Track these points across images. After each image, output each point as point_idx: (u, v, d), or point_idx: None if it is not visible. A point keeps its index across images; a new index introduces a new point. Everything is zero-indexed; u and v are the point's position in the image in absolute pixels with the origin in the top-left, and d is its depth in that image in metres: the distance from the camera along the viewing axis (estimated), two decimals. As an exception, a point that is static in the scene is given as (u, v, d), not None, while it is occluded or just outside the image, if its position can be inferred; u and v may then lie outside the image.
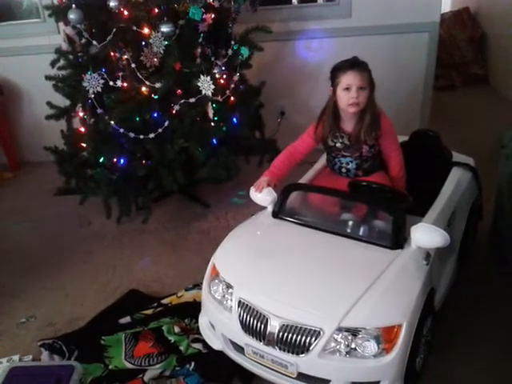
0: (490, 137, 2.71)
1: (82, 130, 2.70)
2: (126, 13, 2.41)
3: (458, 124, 3.83)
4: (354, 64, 1.92)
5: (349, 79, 1.91)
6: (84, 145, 2.67)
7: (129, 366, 1.86)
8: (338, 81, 1.94)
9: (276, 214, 1.93)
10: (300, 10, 3.47)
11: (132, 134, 2.51)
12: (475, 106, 4.35)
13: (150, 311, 2.13)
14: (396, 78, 3.39)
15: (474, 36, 4.86)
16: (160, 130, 2.51)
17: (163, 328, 1.97)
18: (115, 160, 2.59)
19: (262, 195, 1.96)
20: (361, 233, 1.79)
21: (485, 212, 2.39)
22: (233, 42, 2.70)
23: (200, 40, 2.51)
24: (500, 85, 4.63)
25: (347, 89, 1.91)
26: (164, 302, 2.19)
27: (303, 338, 1.50)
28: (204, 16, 2.46)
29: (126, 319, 2.09)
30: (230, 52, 2.68)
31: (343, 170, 2.10)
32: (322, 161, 2.26)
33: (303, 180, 2.14)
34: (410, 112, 3.52)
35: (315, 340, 1.49)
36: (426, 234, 1.66)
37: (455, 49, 4.86)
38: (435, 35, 3.36)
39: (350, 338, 1.48)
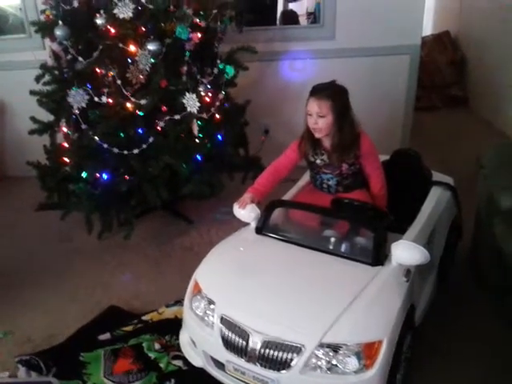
0: (469, 157, 2.77)
1: (66, 145, 2.70)
2: (112, 30, 2.43)
3: (438, 144, 3.91)
4: (318, 91, 1.96)
5: (309, 106, 1.97)
6: (67, 160, 2.66)
7: (108, 383, 1.83)
8: (306, 104, 1.99)
9: (259, 231, 1.94)
10: (284, 31, 3.55)
11: (116, 150, 2.51)
12: (455, 126, 4.45)
13: (130, 328, 2.11)
14: (378, 98, 3.46)
15: (454, 59, 4.99)
16: (144, 146, 2.52)
17: (143, 345, 1.95)
18: (98, 175, 2.58)
19: (246, 211, 1.98)
20: (343, 249, 1.81)
21: (465, 231, 2.44)
22: (218, 61, 2.73)
23: (186, 58, 2.54)
24: (479, 106, 4.75)
25: (310, 114, 1.96)
26: (144, 318, 2.17)
27: (284, 354, 1.50)
28: (190, 35, 2.49)
29: (106, 336, 2.07)
30: (215, 71, 2.71)
31: (324, 185, 2.14)
32: (306, 178, 2.29)
33: (287, 197, 2.16)
34: (392, 132, 3.58)
35: (296, 356, 1.49)
36: (406, 251, 1.68)
37: (436, 71, 4.98)
38: (416, 57, 3.45)
39: (331, 354, 1.48)
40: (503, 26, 4.14)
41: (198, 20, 2.57)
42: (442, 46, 5.02)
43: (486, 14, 4.47)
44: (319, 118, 1.94)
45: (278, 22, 4.94)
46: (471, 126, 4.44)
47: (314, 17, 5.46)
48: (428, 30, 5.43)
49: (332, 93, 1.95)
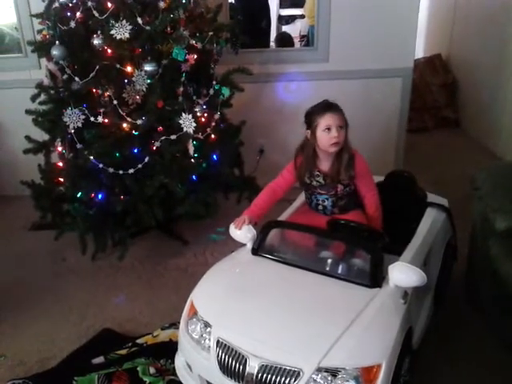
0: (462, 178, 2.80)
1: (60, 164, 2.69)
2: (109, 51, 2.44)
3: (431, 165, 3.94)
4: (330, 106, 2.00)
5: (328, 120, 1.97)
6: (61, 179, 2.65)
7: (101, 408, 1.80)
8: (316, 123, 2.00)
9: (255, 252, 1.93)
10: (279, 53, 3.61)
11: (111, 170, 2.51)
12: (447, 148, 4.49)
13: (124, 351, 2.08)
14: (371, 120, 3.50)
15: (446, 81, 5.06)
16: (140, 166, 2.51)
17: (138, 369, 1.91)
18: (93, 195, 2.57)
19: (242, 232, 1.97)
20: (339, 271, 1.80)
21: (460, 252, 2.44)
22: (214, 82, 2.75)
23: (182, 79, 2.56)
24: (471, 128, 4.81)
25: (328, 129, 1.97)
26: (139, 341, 2.13)
27: (282, 379, 1.48)
28: (187, 56, 2.51)
29: (100, 359, 2.03)
30: (211, 91, 2.73)
31: (320, 207, 2.14)
32: (301, 198, 2.29)
33: (282, 217, 2.15)
34: (385, 153, 3.61)
35: (294, 381, 1.47)
36: (403, 273, 1.68)
37: (427, 93, 5.04)
38: (409, 80, 3.50)
39: (329, 378, 1.46)
40: (493, 50, 4.22)
41: (194, 42, 2.59)
42: (434, 69, 5.10)
43: (477, 38, 4.55)
44: (340, 130, 1.97)
45: (272, 44, 5.04)
46: (463, 147, 4.49)
47: (306, 39, 5.59)
48: (420, 52, 5.51)
49: (339, 106, 2.02)
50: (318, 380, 1.46)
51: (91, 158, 2.48)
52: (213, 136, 2.76)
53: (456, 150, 4.42)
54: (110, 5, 2.41)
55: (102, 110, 2.49)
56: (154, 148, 2.54)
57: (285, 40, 5.25)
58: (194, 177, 2.69)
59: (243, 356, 1.54)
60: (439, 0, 5.41)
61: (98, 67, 2.43)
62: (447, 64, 5.18)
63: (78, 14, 2.46)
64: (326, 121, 1.98)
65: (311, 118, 2.03)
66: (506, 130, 4.05)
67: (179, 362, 1.82)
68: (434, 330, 2.10)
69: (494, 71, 4.22)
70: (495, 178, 2.26)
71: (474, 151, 4.30)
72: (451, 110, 5.09)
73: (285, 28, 6.53)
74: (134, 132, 2.52)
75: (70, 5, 2.54)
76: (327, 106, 2.00)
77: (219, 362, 1.58)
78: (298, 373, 1.47)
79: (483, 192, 2.19)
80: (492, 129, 4.30)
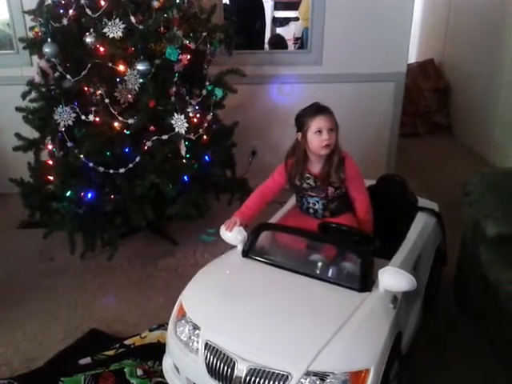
0: (453, 183, 2.82)
1: (50, 162, 2.66)
2: (102, 49, 2.42)
3: (422, 170, 3.96)
4: (321, 108, 2.01)
5: (319, 123, 1.97)
6: (51, 178, 2.63)
7: (87, 409, 1.78)
8: (307, 126, 2.00)
9: (246, 254, 1.92)
10: (273, 55, 3.61)
11: (102, 169, 2.49)
12: (439, 153, 4.51)
13: (111, 352, 2.06)
14: (363, 124, 3.51)
15: (438, 86, 5.09)
16: (131, 166, 2.50)
17: (125, 370, 1.89)
18: (83, 194, 2.55)
19: (233, 234, 1.96)
20: (329, 274, 1.80)
21: (449, 257, 2.45)
22: (207, 83, 2.74)
23: (175, 79, 2.54)
24: (462, 134, 4.83)
25: (319, 132, 1.96)
26: (127, 342, 2.11)
27: (271, 383, 1.47)
28: (180, 56, 2.50)
29: (87, 360, 2.01)
30: (204, 92, 2.72)
31: (311, 210, 2.14)
32: (292, 201, 2.28)
33: (273, 220, 2.15)
34: (376, 157, 3.62)
35: (283, 385, 1.46)
36: (393, 278, 1.68)
37: (420, 98, 5.06)
38: (401, 85, 3.52)
39: (318, 382, 1.45)
40: (486, 56, 4.25)
41: (187, 42, 2.58)
42: (426, 74, 5.12)
43: (470, 44, 4.58)
44: (331, 132, 1.97)
45: (266, 46, 5.04)
46: (454, 152, 4.51)
47: (301, 42, 5.59)
48: (412, 57, 5.54)
49: (330, 109, 2.02)
50: (307, 384, 1.46)
51: (81, 156, 2.46)
52: (205, 137, 2.75)
53: (447, 155, 4.44)
54: (103, 3, 2.40)
55: (93, 109, 2.47)
56: (146, 148, 2.52)
57: (279, 42, 5.26)
58: (185, 177, 2.67)
59: (231, 359, 1.53)
60: (433, 5, 5.44)
61: (90, 65, 2.41)
62: (440, 69, 5.21)
63: (71, 11, 2.44)
64: (317, 123, 1.98)
65: (302, 120, 2.02)
66: (498, 137, 4.08)
67: (167, 363, 1.81)
68: (424, 334, 2.11)
69: (487, 77, 4.25)
70: (486, 184, 2.27)
71: (465, 157, 4.33)
72: (443, 115, 5.11)
73: (279, 30, 6.54)
74: (125, 131, 2.50)
75: (63, 2, 2.53)
76: (318, 109, 2.00)
77: (207, 365, 1.57)
78: (287, 376, 1.46)
79: (474, 198, 2.20)
80: (483, 135, 4.32)
